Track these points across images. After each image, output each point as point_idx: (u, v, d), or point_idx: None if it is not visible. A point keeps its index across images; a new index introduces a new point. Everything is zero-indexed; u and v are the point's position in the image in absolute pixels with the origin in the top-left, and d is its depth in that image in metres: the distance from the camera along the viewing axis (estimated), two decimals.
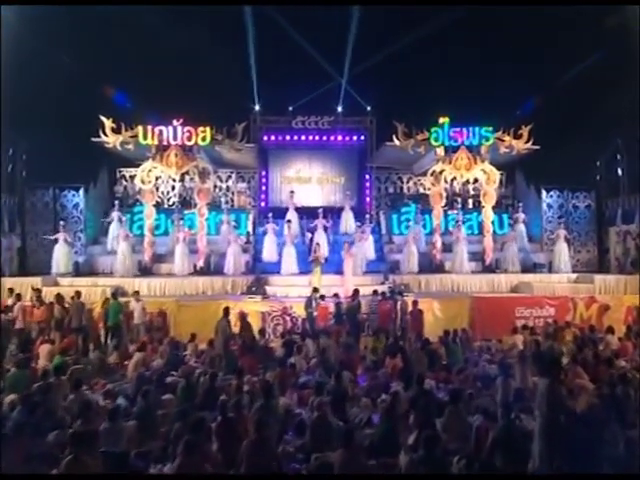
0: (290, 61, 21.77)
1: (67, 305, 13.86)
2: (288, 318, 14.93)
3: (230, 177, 23.06)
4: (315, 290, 14.45)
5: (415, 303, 13.99)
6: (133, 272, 17.42)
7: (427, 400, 8.43)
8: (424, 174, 21.68)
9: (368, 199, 23.53)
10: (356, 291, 14.51)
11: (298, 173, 23.85)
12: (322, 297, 14.40)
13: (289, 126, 23.45)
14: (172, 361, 11.40)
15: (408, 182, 23.42)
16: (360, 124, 23.77)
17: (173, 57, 19.19)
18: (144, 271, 17.88)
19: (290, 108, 23.36)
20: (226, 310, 12.71)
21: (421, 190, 22.95)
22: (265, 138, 23.49)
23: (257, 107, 23.21)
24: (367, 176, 23.68)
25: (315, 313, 14.20)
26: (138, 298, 14.68)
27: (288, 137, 23.53)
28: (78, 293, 14.09)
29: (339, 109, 23.45)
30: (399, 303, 14.25)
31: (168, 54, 19.03)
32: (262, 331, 13.36)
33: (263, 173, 23.61)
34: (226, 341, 11.92)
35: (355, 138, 23.78)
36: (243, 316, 12.93)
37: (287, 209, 20.52)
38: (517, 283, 17.40)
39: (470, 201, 21.96)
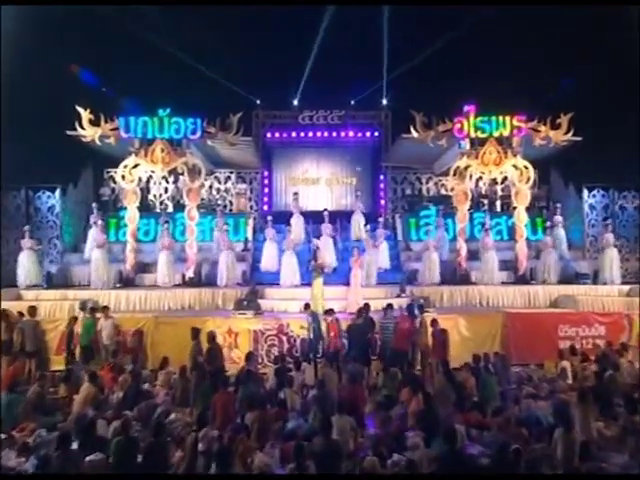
0: (295, 49, 19.56)
1: (18, 324, 11.58)
2: (285, 338, 12.48)
3: (229, 178, 20.86)
4: (306, 306, 12.06)
5: (435, 322, 11.40)
6: (110, 283, 15.16)
7: (459, 464, 5.98)
8: (446, 173, 19.33)
9: (382, 202, 21.21)
10: (366, 306, 12.03)
11: (305, 174, 21.65)
12: (329, 311, 11.88)
13: (295, 122, 21.25)
14: (131, 395, 9.06)
15: (427, 182, 20.99)
16: (374, 119, 21.53)
17: (160, 40, 16.99)
18: (125, 282, 15.63)
19: (295, 102, 21.09)
20: (195, 331, 10.28)
21: (442, 191, 20.52)
22: (268, 135, 21.34)
23: (259, 101, 20.96)
24: (381, 176, 21.37)
25: (331, 333, 11.57)
26: (108, 314, 12.35)
27: (294, 134, 21.33)
28: (32, 309, 11.81)
29: (351, 102, 21.11)
30: (417, 321, 11.69)
31: (154, 37, 16.87)
32: (251, 355, 10.87)
33: (266, 174, 21.41)
34: (195, 370, 9.52)
35: (368, 134, 21.54)
36: (212, 337, 10.39)
37: (292, 214, 18.19)
38: (557, 296, 14.74)
39: (498, 203, 19.43)
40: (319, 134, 21.25)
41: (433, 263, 15.50)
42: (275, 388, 9.75)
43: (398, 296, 14.49)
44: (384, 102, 21.08)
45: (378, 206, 20.97)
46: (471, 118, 16.02)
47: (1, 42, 14.10)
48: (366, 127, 21.47)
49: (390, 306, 11.99)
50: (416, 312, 12.23)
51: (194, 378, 9.46)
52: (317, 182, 21.57)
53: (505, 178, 19.03)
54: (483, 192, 19.60)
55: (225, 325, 12.69)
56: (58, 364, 12.09)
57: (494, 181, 19.44)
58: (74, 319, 12.29)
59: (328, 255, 15.55)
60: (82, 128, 15.74)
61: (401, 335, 11.45)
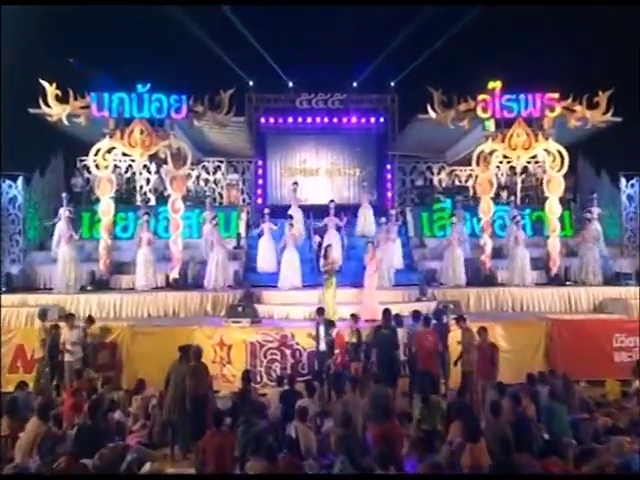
0: (292, 24, 17.47)
1: None
2: (288, 352, 10.41)
3: (219, 167, 18.77)
4: (320, 312, 9.94)
5: (484, 332, 9.17)
6: (78, 286, 12.97)
7: None
8: (460, 162, 17.58)
9: (390, 194, 19.19)
10: (387, 312, 9.91)
11: (303, 164, 19.62)
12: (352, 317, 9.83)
13: (292, 106, 19.20)
14: (90, 434, 6.84)
15: (440, 173, 19.00)
16: (379, 103, 19.57)
17: (139, 5, 14.82)
18: (98, 284, 13.45)
19: (291, 84, 19.00)
20: (184, 350, 7.95)
21: (457, 182, 18.64)
22: (263, 120, 19.30)
23: (251, 82, 18.83)
24: (388, 166, 19.35)
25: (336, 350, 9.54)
26: (73, 323, 10.19)
27: (291, 119, 19.28)
28: None
29: (354, 84, 19.05)
30: (453, 330, 9.58)
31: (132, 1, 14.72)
32: (247, 375, 8.73)
33: (260, 163, 19.35)
34: (179, 399, 7.30)
35: (373, 120, 19.52)
36: (198, 353, 8.09)
37: (289, 206, 16.12)
38: (602, 300, 12.80)
39: (519, 195, 17.46)
40: (318, 120, 19.23)
41: (458, 261, 13.43)
42: (281, 418, 7.63)
43: (418, 300, 12.51)
44: (392, 83, 19.00)
45: (385, 199, 18.99)
46: (497, 96, 14.04)
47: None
48: (370, 112, 19.47)
49: (417, 312, 9.86)
50: (445, 320, 10.23)
51: (168, 410, 7.26)
52: (316, 173, 19.56)
53: (525, 168, 17.26)
54: (503, 183, 17.62)
55: (216, 335, 10.69)
56: (13, 384, 9.86)
57: (513, 171, 17.57)
58: (56, 328, 10.10)
59: (335, 252, 13.43)
60: (47, 106, 13.53)
61: (426, 353, 9.24)
